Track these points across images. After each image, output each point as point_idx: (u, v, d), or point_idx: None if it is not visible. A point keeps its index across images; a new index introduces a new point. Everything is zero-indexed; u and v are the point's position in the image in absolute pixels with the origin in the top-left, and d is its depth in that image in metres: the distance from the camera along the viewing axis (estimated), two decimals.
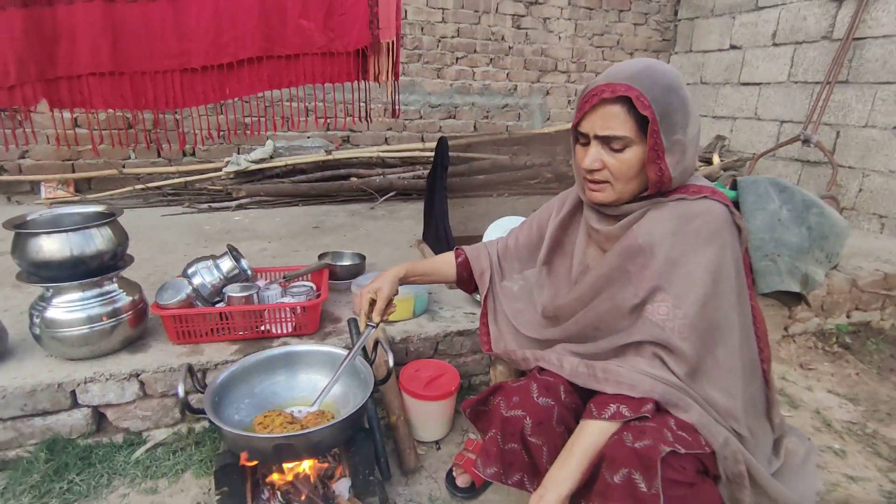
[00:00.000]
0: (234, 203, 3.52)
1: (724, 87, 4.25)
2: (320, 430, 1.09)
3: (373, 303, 1.27)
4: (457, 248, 1.43)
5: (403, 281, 1.32)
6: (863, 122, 3.25)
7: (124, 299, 1.59)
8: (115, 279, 1.59)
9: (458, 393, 1.68)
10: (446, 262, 1.40)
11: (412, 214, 3.48)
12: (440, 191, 2.38)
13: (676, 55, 4.76)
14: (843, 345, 2.35)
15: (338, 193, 3.78)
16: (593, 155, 1.06)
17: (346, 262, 2.16)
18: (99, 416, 1.58)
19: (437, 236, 2.49)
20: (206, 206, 3.46)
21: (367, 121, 2.33)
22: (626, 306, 1.08)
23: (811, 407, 1.90)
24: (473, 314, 1.94)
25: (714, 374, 1.05)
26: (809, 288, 2.26)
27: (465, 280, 1.41)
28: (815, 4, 3.50)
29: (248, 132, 2.37)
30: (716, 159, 4.04)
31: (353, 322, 1.77)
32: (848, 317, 2.49)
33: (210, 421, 1.10)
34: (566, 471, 1.00)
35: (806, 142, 3.34)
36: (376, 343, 1.35)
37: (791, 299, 2.30)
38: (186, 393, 1.09)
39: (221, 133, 3.72)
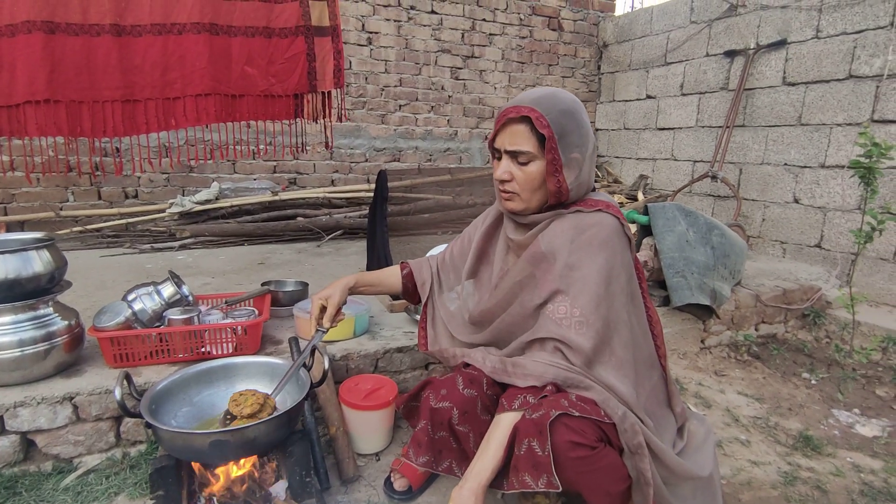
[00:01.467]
0: (177, 243, 3.52)
1: (644, 131, 4.69)
2: (256, 426, 1.14)
3: (323, 309, 1.39)
4: (402, 262, 1.55)
5: (353, 290, 1.44)
6: (759, 160, 3.67)
7: (59, 323, 1.60)
8: (50, 303, 1.60)
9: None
10: (392, 274, 1.53)
11: (358, 251, 3.57)
12: (381, 221, 2.51)
13: (602, 104, 5.22)
14: (753, 354, 2.58)
15: (284, 233, 3.84)
16: (504, 167, 1.23)
17: (289, 289, 2.23)
18: (27, 444, 1.54)
19: (380, 266, 2.60)
20: (148, 246, 3.44)
21: (303, 152, 2.47)
22: (532, 307, 1.24)
23: (722, 406, 2.08)
24: (412, 332, 2.04)
25: (611, 363, 1.20)
26: (718, 302, 2.50)
27: (410, 291, 1.54)
28: (712, 60, 3.99)
29: (194, 160, 2.43)
30: (640, 196, 4.41)
31: (293, 341, 1.83)
32: (756, 329, 2.75)
33: (147, 425, 1.14)
34: (483, 462, 1.10)
35: (714, 178, 3.72)
36: (313, 349, 1.42)
37: (704, 313, 2.53)
38: (123, 397, 1.13)
39: (164, 162, 3.73)
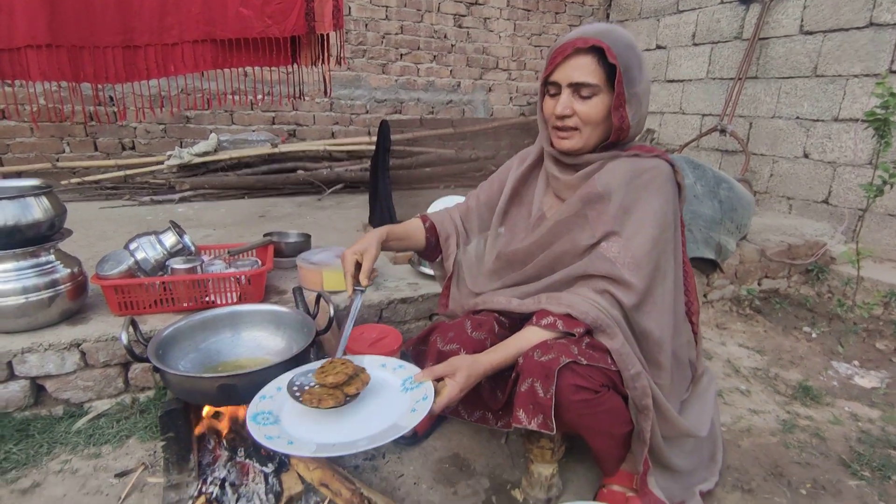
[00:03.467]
0: (177, 195, 3.47)
1: (653, 84, 4.55)
2: (263, 371, 1.15)
3: (358, 266, 1.25)
4: (421, 215, 1.51)
5: (384, 244, 1.35)
6: (771, 113, 3.58)
7: (62, 271, 1.59)
8: (52, 251, 1.59)
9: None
10: (417, 228, 1.47)
11: (360, 205, 3.54)
12: (383, 173, 2.46)
13: None
14: (755, 308, 2.59)
15: (284, 186, 3.79)
16: (564, 102, 1.17)
17: (292, 240, 2.21)
18: (37, 389, 1.56)
19: (383, 218, 2.57)
20: (147, 198, 3.40)
21: (302, 100, 2.40)
22: (583, 246, 1.21)
23: (723, 358, 2.10)
24: (416, 284, 2.04)
25: (652, 310, 1.19)
26: (723, 256, 2.49)
27: (433, 246, 1.48)
28: (727, 8, 3.83)
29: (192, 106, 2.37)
30: None
31: (298, 291, 1.82)
32: (759, 284, 2.75)
33: (154, 370, 1.14)
34: (491, 354, 1.12)
35: (723, 132, 3.64)
36: (318, 296, 1.41)
37: (708, 267, 2.52)
38: (130, 342, 1.13)
39: (164, 107, 3.63)
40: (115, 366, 1.61)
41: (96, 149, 3.69)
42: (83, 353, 1.56)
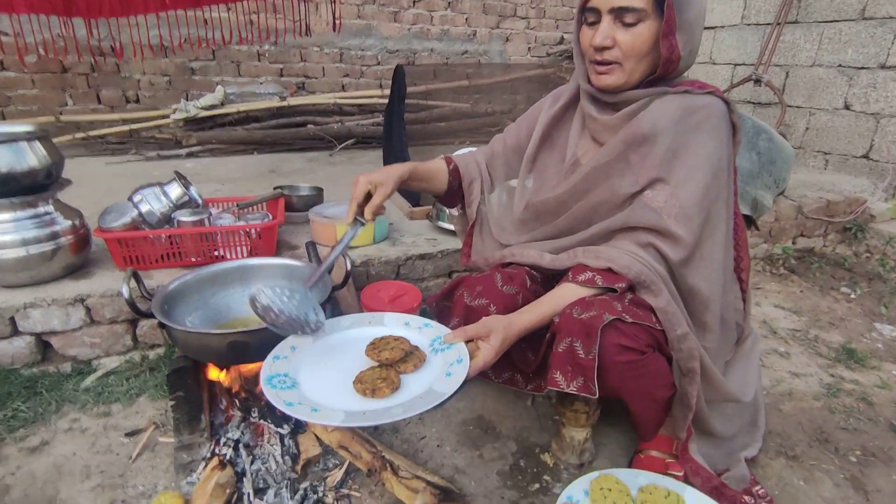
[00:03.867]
0: (184, 150, 3.37)
1: None
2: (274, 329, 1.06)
3: (367, 198, 1.12)
4: (445, 156, 1.38)
5: (404, 183, 1.20)
6: (810, 61, 3.34)
7: (63, 223, 1.50)
8: (50, 201, 1.50)
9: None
10: (440, 169, 1.32)
11: (373, 160, 3.40)
12: (398, 122, 2.32)
13: None
14: (789, 268, 2.46)
15: (294, 141, 3.66)
16: (605, 31, 1.02)
17: (304, 193, 2.10)
18: (44, 345, 1.50)
19: None
20: (154, 153, 3.29)
21: (308, 35, 2.25)
22: (623, 195, 1.08)
23: (759, 318, 1.99)
24: (434, 239, 1.93)
25: (700, 265, 1.08)
26: (759, 212, 2.34)
27: (454, 190, 1.34)
28: None
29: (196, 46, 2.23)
30: None
31: (311, 245, 1.73)
32: (794, 242, 2.61)
33: (160, 325, 1.06)
34: (526, 315, 1.02)
35: (757, 81, 3.41)
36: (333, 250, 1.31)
37: None
38: (132, 296, 1.04)
39: (165, 47, 3.45)
40: (122, 322, 1.53)
41: (99, 101, 3.57)
42: (88, 309, 1.48)
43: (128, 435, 1.32)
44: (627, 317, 0.94)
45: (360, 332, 1.06)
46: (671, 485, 1.03)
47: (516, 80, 4.23)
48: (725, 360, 1.24)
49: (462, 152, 1.88)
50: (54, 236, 1.47)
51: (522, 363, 1.12)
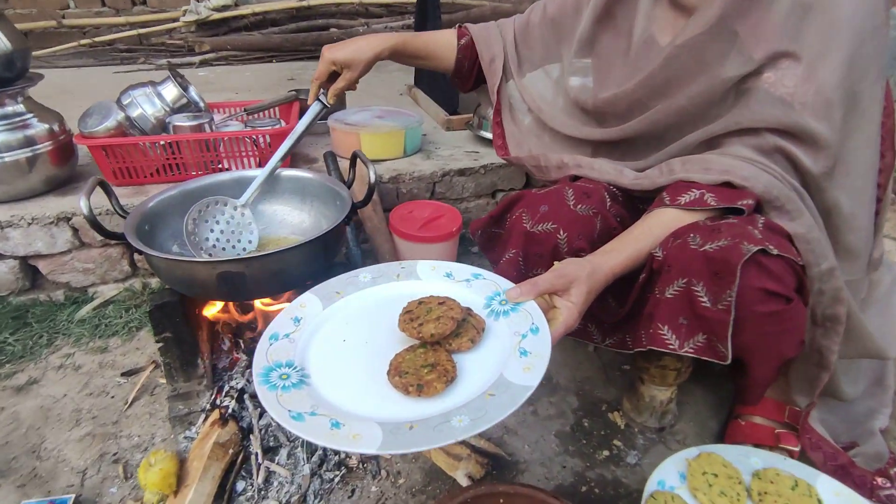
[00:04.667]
0: (197, 58, 3.05)
1: None
2: (280, 254, 0.81)
3: (333, 77, 1.00)
4: (459, 27, 1.07)
5: (389, 56, 1.00)
6: None
7: (38, 126, 1.26)
8: (20, 99, 1.25)
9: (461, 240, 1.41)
10: (445, 44, 1.06)
11: (402, 68, 3.02)
12: (432, 23, 1.95)
13: None
14: None
15: (315, 47, 3.28)
16: None
17: None
18: (32, 271, 1.32)
19: (433, 82, 2.10)
20: (164, 61, 3.00)
21: None
22: (728, 79, 0.76)
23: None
24: (476, 153, 1.62)
25: (844, 172, 0.78)
26: None
27: (465, 71, 1.08)
28: None
29: None
30: None
31: (330, 156, 1.46)
32: None
33: (134, 250, 0.82)
34: (613, 255, 0.74)
35: None
36: (354, 158, 1.04)
37: None
38: (91, 210, 0.80)
39: None
40: (117, 246, 1.33)
41: (104, 3, 3.24)
42: (75, 230, 1.27)
43: (124, 375, 1.15)
44: (772, 247, 0.65)
45: (387, 289, 0.77)
46: (798, 471, 0.78)
47: None
48: (861, 297, 0.95)
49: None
50: (29, 142, 1.24)
51: (603, 313, 0.85)
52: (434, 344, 0.64)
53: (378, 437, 0.52)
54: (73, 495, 0.87)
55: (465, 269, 0.78)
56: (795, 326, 0.71)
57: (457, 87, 1.15)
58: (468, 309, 0.69)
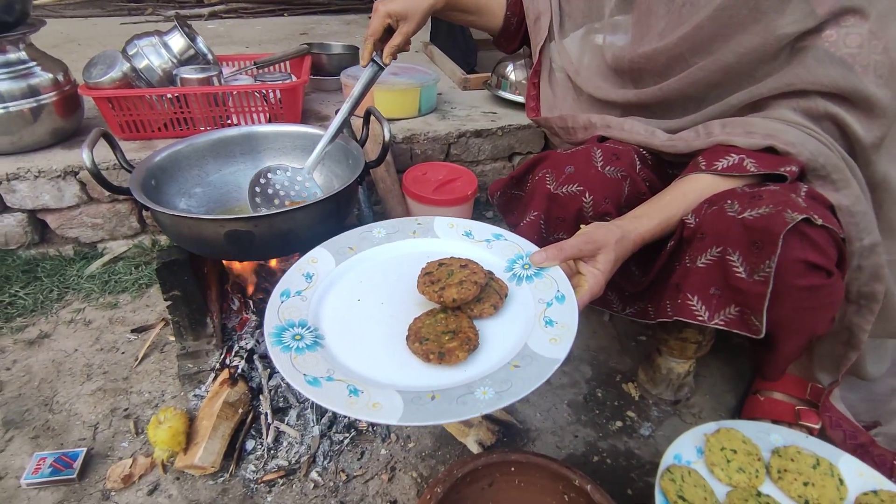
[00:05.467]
0: (206, 10, 2.97)
1: None
2: (290, 214, 0.78)
3: (389, 33, 0.89)
4: None
5: (441, 7, 0.92)
6: None
7: (42, 75, 1.22)
8: (22, 46, 1.21)
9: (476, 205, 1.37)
10: (495, 1, 0.99)
11: None
12: None
13: None
14: None
15: (330, 2, 3.17)
16: None
17: (336, 52, 1.73)
18: (40, 225, 1.30)
19: (452, 38, 2.01)
20: (172, 13, 2.91)
21: None
22: (785, 38, 0.69)
23: None
24: (494, 113, 1.56)
25: (895, 142, 0.72)
26: None
27: (513, 30, 1.02)
28: None
29: None
30: None
31: None
32: None
33: (140, 206, 0.79)
34: (643, 220, 0.70)
35: None
36: (368, 115, 0.99)
37: None
38: (96, 163, 0.77)
39: None
40: (125, 201, 1.31)
41: None
42: (83, 184, 1.25)
43: (134, 331, 1.14)
44: (817, 217, 0.61)
45: (402, 246, 0.74)
46: (820, 449, 0.75)
47: None
48: None
49: None
50: (34, 92, 1.21)
51: (626, 282, 0.81)
52: (455, 309, 0.61)
53: (399, 408, 0.50)
54: (85, 448, 0.87)
55: (485, 229, 0.75)
56: (832, 302, 0.67)
57: (501, 47, 1.09)
58: (490, 273, 0.66)
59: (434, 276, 0.64)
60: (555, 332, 0.57)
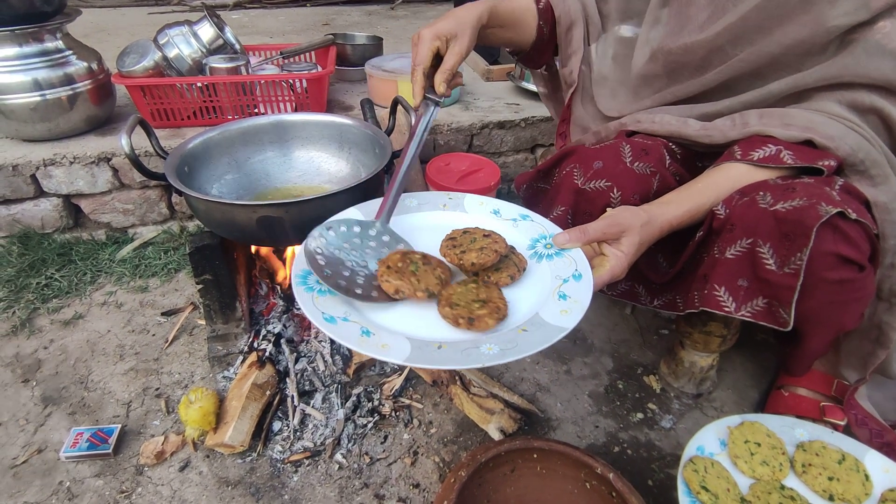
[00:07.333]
0: (231, 0, 3.00)
1: None
2: (320, 200, 0.80)
3: (437, 60, 0.77)
4: None
5: (485, 21, 0.82)
6: None
7: (77, 64, 1.26)
8: (59, 35, 1.24)
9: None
10: (526, 9, 0.93)
11: (440, 14, 2.91)
12: None
13: None
14: None
15: None
16: None
17: (360, 42, 1.74)
18: (74, 209, 1.34)
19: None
20: (199, 3, 2.95)
21: None
22: (836, 30, 0.67)
23: None
24: (517, 105, 1.56)
25: None
26: None
27: (545, 41, 0.95)
28: None
29: None
30: None
31: (367, 104, 1.41)
32: None
33: (174, 191, 0.82)
34: (672, 206, 0.70)
35: None
36: (395, 104, 1.00)
37: None
38: (133, 149, 0.79)
39: None
40: (155, 188, 1.34)
41: None
42: (115, 170, 1.28)
43: (164, 315, 1.18)
44: (851, 211, 0.60)
45: (431, 217, 0.76)
46: (846, 445, 0.75)
47: None
48: None
49: None
50: (69, 80, 1.24)
51: (652, 272, 0.81)
52: (482, 280, 0.63)
53: (406, 350, 0.53)
54: (120, 425, 0.91)
55: (513, 209, 0.77)
56: (862, 298, 0.67)
57: (531, 62, 1.02)
58: (512, 247, 0.68)
59: (457, 241, 0.67)
60: (567, 305, 0.58)
